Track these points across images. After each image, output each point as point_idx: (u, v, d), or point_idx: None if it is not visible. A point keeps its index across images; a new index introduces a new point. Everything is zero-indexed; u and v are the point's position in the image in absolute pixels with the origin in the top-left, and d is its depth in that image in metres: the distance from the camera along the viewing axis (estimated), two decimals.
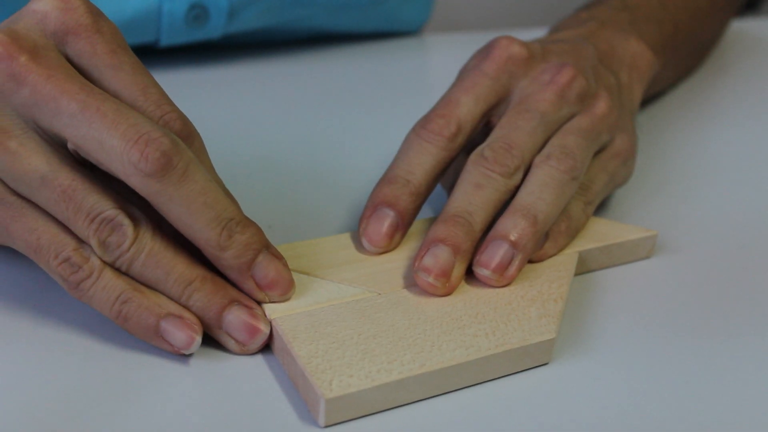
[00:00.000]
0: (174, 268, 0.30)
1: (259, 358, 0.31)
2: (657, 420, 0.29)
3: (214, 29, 0.56)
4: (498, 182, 0.35)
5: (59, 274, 0.30)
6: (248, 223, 0.30)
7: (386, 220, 0.35)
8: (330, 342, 0.30)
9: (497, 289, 0.33)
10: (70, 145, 0.29)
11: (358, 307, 0.32)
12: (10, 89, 0.29)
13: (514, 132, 0.36)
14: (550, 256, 0.35)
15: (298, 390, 0.29)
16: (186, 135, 0.31)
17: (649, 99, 0.54)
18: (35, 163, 0.29)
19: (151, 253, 0.30)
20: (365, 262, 0.34)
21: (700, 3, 0.57)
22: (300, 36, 0.64)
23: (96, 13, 0.31)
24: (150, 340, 0.30)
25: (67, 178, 0.29)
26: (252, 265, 0.30)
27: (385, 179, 0.36)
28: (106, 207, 0.29)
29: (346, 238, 0.36)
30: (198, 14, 0.55)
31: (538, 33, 0.70)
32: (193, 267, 0.30)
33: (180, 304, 0.30)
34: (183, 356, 0.30)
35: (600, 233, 0.37)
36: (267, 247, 0.31)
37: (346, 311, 0.31)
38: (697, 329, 0.33)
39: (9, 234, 0.30)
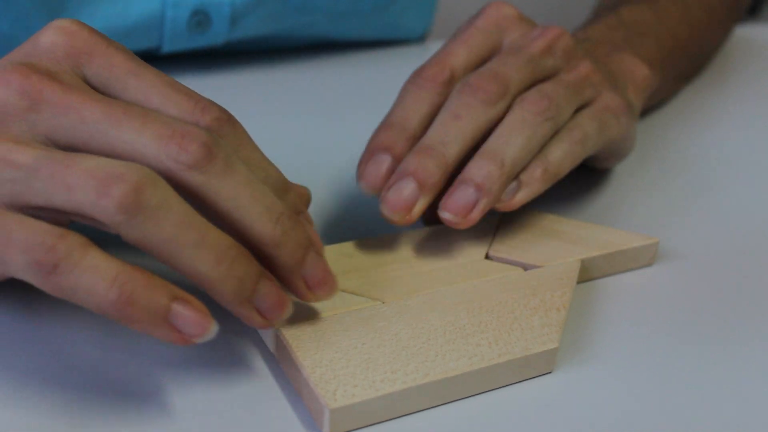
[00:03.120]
0: (209, 230, 0.27)
1: (263, 367, 0.31)
2: (660, 429, 0.29)
3: (217, 36, 0.56)
4: (477, 111, 0.35)
5: (32, 261, 0.25)
6: (297, 218, 0.29)
7: (383, 165, 0.36)
8: (334, 351, 0.30)
9: (500, 298, 0.33)
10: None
11: (362, 316, 0.32)
12: (25, 107, 0.28)
13: (502, 66, 0.37)
14: (523, 203, 0.36)
15: (302, 399, 0.29)
16: (226, 119, 0.30)
17: (649, 109, 0.54)
18: (29, 151, 0.27)
19: (187, 213, 0.26)
20: (369, 272, 0.34)
21: (699, 15, 0.57)
22: (302, 43, 0.64)
23: (101, 34, 0.30)
24: (155, 328, 0.26)
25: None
26: (303, 263, 0.29)
27: (382, 126, 0.37)
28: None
29: (350, 247, 0.36)
30: (200, 20, 0.55)
31: None
32: (223, 233, 0.27)
33: (207, 280, 0.27)
34: (186, 363, 0.30)
35: (602, 241, 0.37)
36: (312, 243, 0.30)
37: (350, 320, 0.31)
38: (700, 337, 0.34)
39: None
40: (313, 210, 0.42)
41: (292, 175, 0.45)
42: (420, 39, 0.69)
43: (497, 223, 0.38)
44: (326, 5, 0.59)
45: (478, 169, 0.34)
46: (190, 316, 0.26)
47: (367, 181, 0.36)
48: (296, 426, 0.28)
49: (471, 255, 0.36)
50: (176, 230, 0.26)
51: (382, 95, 0.57)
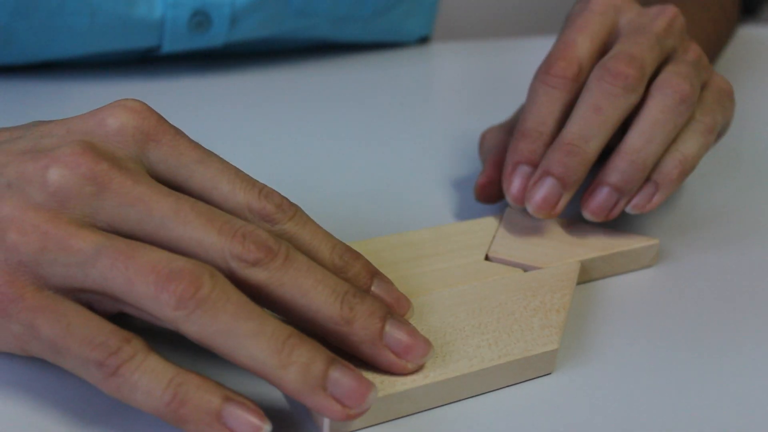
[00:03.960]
0: (268, 320, 0.26)
1: None
2: (660, 430, 0.29)
3: (217, 37, 0.56)
4: (619, 100, 0.36)
5: (94, 361, 0.25)
6: (363, 293, 0.28)
7: (527, 178, 0.37)
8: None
9: (500, 300, 0.33)
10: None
11: None
12: (89, 193, 0.27)
13: (634, 46, 0.37)
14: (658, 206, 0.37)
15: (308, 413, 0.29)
16: (287, 206, 0.30)
17: None
18: (92, 236, 0.26)
19: (245, 303, 0.26)
20: None
21: (716, 15, 0.58)
22: (302, 46, 0.64)
23: (165, 120, 0.30)
24: (206, 430, 0.25)
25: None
26: (382, 334, 0.28)
27: (519, 134, 0.38)
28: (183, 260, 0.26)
29: None
30: (200, 21, 0.55)
31: (540, 41, 0.70)
32: (283, 323, 0.27)
33: (267, 368, 0.26)
34: (187, 365, 0.30)
35: (602, 242, 0.37)
36: (390, 313, 0.28)
37: None
38: (700, 338, 0.34)
39: (34, 329, 0.26)
40: (310, 212, 0.42)
41: (291, 178, 0.45)
42: (421, 42, 0.69)
43: (497, 224, 0.38)
44: (327, 9, 0.59)
45: (621, 173, 0.36)
46: (242, 416, 0.25)
47: (514, 196, 0.37)
48: (296, 426, 0.28)
49: (471, 256, 0.36)
50: (234, 321, 0.26)
51: (383, 97, 0.58)
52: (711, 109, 0.38)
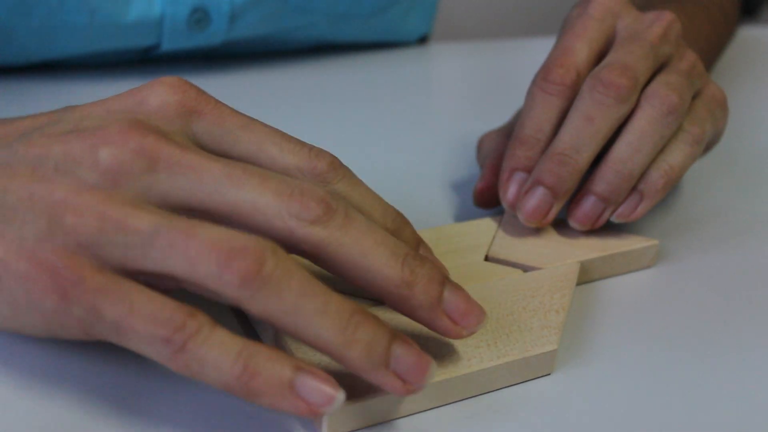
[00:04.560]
0: (332, 296, 0.26)
1: None
2: (660, 430, 0.29)
3: (216, 34, 0.56)
4: (611, 111, 0.36)
5: (160, 337, 0.25)
6: (422, 256, 0.28)
7: (523, 185, 0.37)
8: None
9: (499, 300, 0.33)
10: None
11: None
12: (141, 168, 0.27)
13: (628, 55, 0.37)
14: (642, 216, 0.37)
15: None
16: (339, 164, 0.30)
17: None
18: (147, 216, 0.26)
19: (309, 281, 0.26)
20: None
21: (717, 16, 0.58)
22: (301, 45, 0.64)
23: (205, 92, 0.30)
24: (281, 399, 0.25)
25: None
26: (441, 299, 0.28)
27: (517, 140, 0.38)
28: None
29: None
30: (200, 18, 0.55)
31: (539, 42, 0.71)
32: (347, 298, 0.26)
33: (332, 346, 0.26)
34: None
35: (601, 243, 0.37)
36: (448, 278, 0.28)
37: None
38: (699, 338, 0.34)
39: (97, 312, 0.26)
40: None
41: None
42: (420, 43, 0.68)
43: (497, 225, 0.38)
44: (326, 6, 0.59)
45: (607, 183, 0.36)
46: (315, 384, 0.25)
47: (510, 203, 0.37)
48: (294, 426, 0.28)
49: (470, 257, 0.36)
50: (298, 300, 0.25)
51: (382, 97, 0.57)
52: (700, 119, 0.38)
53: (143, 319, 0.25)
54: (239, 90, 0.57)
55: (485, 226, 0.38)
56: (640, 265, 0.38)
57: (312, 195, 0.27)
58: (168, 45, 0.56)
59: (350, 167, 0.47)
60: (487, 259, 0.36)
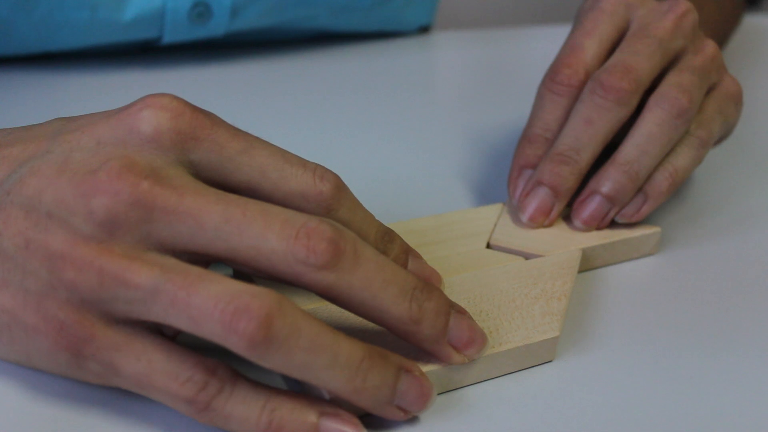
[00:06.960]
0: (340, 347, 0.25)
1: None
2: (661, 418, 0.29)
3: (217, 27, 0.56)
4: (611, 114, 0.36)
5: (183, 398, 0.25)
6: (429, 286, 0.28)
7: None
8: None
9: (501, 287, 0.33)
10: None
11: None
12: (137, 218, 0.25)
13: (632, 56, 0.37)
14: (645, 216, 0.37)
15: (303, 388, 0.29)
16: (341, 187, 0.29)
17: None
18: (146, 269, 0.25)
19: (318, 334, 0.25)
20: None
21: (725, 2, 0.58)
22: (303, 36, 0.64)
23: (199, 109, 0.28)
24: None
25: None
26: (446, 330, 0.28)
27: (525, 139, 0.38)
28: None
29: None
30: (201, 11, 0.55)
31: (542, 30, 0.70)
32: (355, 342, 0.26)
33: (342, 394, 0.26)
34: None
35: (603, 230, 0.37)
36: (452, 306, 0.28)
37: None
38: (701, 326, 0.34)
39: (114, 368, 0.26)
40: None
41: None
42: (421, 32, 0.68)
43: (499, 212, 0.38)
44: None
45: (613, 183, 0.36)
46: (338, 428, 0.26)
47: (519, 199, 0.38)
48: None
49: (472, 244, 0.36)
50: (307, 357, 0.25)
51: (385, 86, 0.57)
52: (709, 120, 0.38)
53: (164, 377, 0.25)
54: (240, 79, 0.57)
55: (487, 213, 0.38)
56: (642, 252, 0.38)
57: (319, 236, 0.26)
58: (169, 38, 0.56)
59: (351, 156, 0.47)
60: (489, 246, 0.36)
